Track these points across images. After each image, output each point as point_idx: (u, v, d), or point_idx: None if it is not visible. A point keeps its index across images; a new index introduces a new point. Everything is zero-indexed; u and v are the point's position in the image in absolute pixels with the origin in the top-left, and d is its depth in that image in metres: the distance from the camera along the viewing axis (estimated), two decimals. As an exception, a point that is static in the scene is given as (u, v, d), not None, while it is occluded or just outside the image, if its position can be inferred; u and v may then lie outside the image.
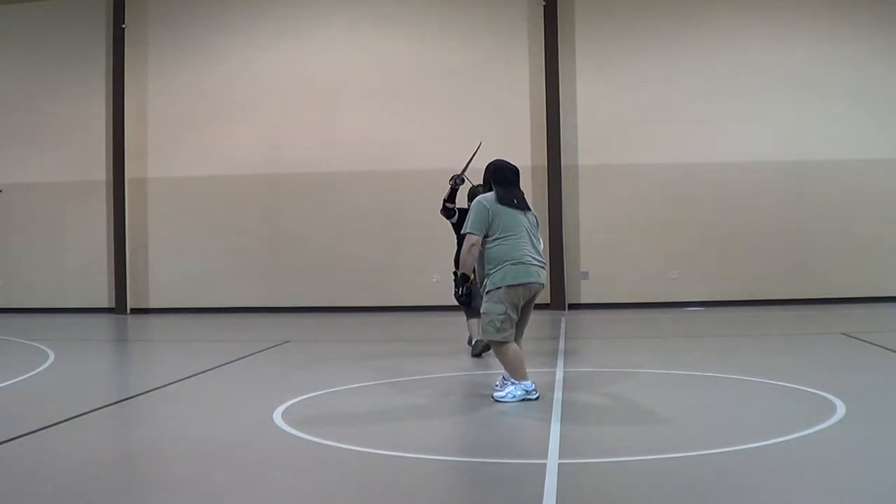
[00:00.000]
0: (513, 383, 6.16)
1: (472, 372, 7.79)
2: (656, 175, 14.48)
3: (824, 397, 6.03)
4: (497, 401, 6.13)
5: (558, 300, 14.29)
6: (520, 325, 6.28)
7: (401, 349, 9.97)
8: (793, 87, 14.32)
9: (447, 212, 8.55)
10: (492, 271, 6.12)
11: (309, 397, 6.58)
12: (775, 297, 14.10)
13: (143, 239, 15.54)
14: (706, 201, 14.42)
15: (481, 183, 6.59)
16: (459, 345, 9.26)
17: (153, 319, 14.66)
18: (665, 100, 14.52)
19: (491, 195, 6.25)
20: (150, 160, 15.51)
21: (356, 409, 6.18)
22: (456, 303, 7.52)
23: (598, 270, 14.58)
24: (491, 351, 7.13)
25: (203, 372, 8.04)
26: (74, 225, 15.74)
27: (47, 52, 15.76)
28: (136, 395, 7.06)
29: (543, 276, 6.25)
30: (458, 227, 7.86)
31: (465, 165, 8.57)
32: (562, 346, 9.60)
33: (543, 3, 14.61)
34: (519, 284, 6.06)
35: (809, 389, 6.37)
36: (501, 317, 6.04)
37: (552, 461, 4.49)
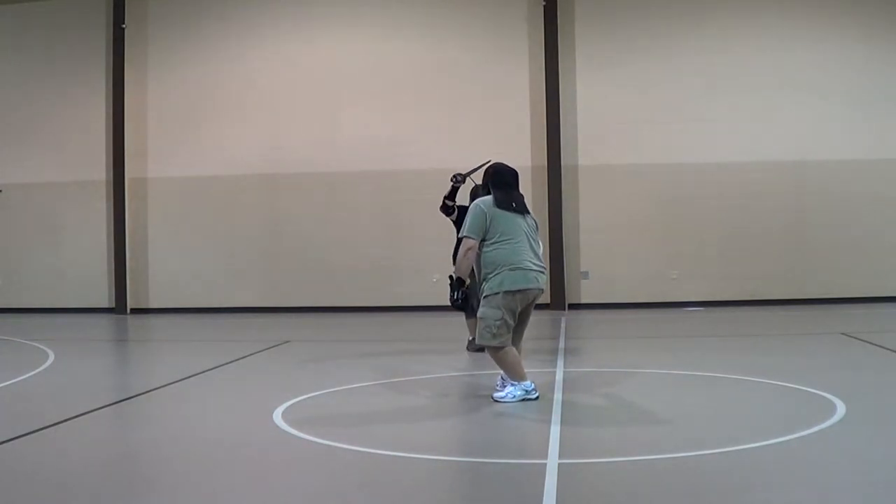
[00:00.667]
0: (512, 383, 6.15)
1: (472, 372, 7.79)
2: (656, 175, 14.48)
3: (824, 397, 6.03)
4: (497, 401, 6.12)
5: (558, 300, 14.29)
6: (519, 328, 6.24)
7: (401, 349, 9.96)
8: (793, 87, 14.32)
9: (446, 209, 8.60)
10: (489, 275, 6.07)
11: (309, 397, 6.57)
12: (775, 297, 14.10)
13: (143, 239, 15.54)
14: (706, 201, 14.42)
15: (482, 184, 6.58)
16: (459, 345, 9.26)
17: (153, 319, 14.65)
18: (665, 100, 14.51)
19: (489, 198, 6.19)
20: (150, 160, 15.50)
21: (356, 409, 6.19)
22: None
23: (597, 270, 14.58)
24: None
25: (203, 372, 8.04)
26: (74, 225, 15.73)
27: (47, 52, 15.75)
28: (136, 396, 7.06)
29: (543, 280, 6.18)
30: (458, 224, 7.86)
31: (470, 170, 8.54)
32: (562, 345, 9.60)
33: (543, 3, 14.60)
34: (517, 290, 6.01)
35: (809, 389, 6.37)
36: (498, 322, 5.99)
37: (552, 461, 4.49)
